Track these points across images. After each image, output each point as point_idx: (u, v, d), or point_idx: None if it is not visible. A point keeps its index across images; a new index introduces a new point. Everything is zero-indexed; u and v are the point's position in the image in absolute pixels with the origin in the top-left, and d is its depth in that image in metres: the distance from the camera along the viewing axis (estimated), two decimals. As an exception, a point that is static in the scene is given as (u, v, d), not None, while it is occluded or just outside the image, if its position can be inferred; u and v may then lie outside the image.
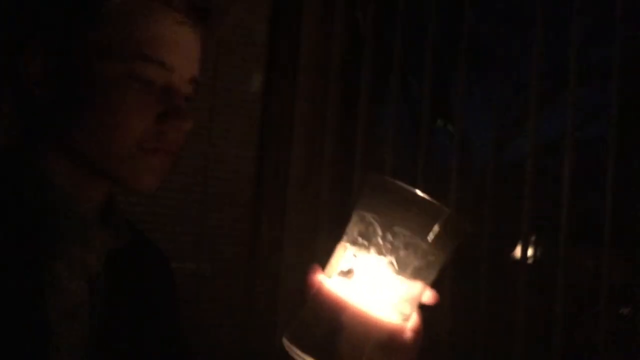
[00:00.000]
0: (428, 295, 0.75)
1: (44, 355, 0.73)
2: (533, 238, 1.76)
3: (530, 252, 1.74)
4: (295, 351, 0.70)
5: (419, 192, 0.70)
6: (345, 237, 0.74)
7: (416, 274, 0.72)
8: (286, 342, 0.71)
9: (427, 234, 0.70)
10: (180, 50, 0.79)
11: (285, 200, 1.92)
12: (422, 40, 1.88)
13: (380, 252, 0.71)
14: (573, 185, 1.60)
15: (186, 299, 1.04)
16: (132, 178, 0.78)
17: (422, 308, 0.76)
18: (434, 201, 0.70)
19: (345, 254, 0.73)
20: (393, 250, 0.71)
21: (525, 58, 1.74)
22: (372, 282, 0.71)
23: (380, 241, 0.71)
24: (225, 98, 1.85)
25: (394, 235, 0.70)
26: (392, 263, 0.71)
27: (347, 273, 0.72)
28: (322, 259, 0.77)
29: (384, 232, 0.71)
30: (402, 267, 0.71)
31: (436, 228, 0.70)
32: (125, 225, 0.86)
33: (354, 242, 0.73)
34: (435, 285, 0.75)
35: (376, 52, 1.97)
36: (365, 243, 0.72)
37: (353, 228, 0.73)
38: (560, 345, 1.59)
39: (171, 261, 0.99)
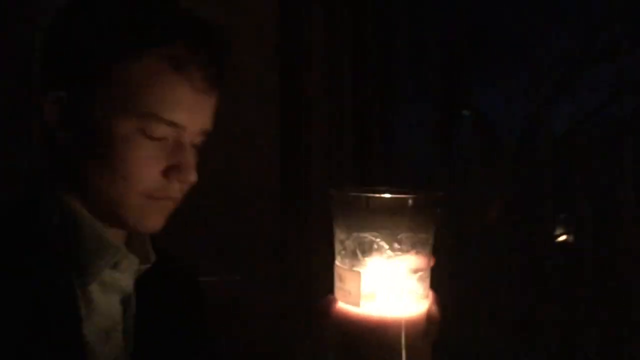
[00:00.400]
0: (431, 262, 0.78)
1: None
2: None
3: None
4: None
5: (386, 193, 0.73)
6: (345, 262, 0.75)
7: (419, 254, 0.74)
8: None
9: (425, 224, 0.74)
10: (193, 111, 0.82)
11: (311, 205, 1.91)
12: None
13: (390, 258, 0.73)
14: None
15: (217, 308, 1.06)
16: (138, 222, 0.83)
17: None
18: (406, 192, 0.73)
19: (361, 279, 0.73)
20: (401, 252, 0.73)
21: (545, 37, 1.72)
22: (393, 289, 0.73)
23: (389, 251, 0.73)
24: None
25: (400, 241, 0.73)
26: (401, 263, 0.73)
27: (371, 295, 0.73)
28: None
29: (389, 243, 0.73)
30: (409, 264, 0.74)
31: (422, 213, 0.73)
32: (150, 246, 0.90)
33: (360, 264, 0.74)
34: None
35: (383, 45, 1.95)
36: (372, 258, 0.73)
37: (350, 250, 0.74)
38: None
39: (199, 273, 1.04)
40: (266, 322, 1.79)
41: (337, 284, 0.75)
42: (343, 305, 0.74)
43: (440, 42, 1.89)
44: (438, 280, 0.77)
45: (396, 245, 0.73)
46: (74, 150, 0.82)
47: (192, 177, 0.84)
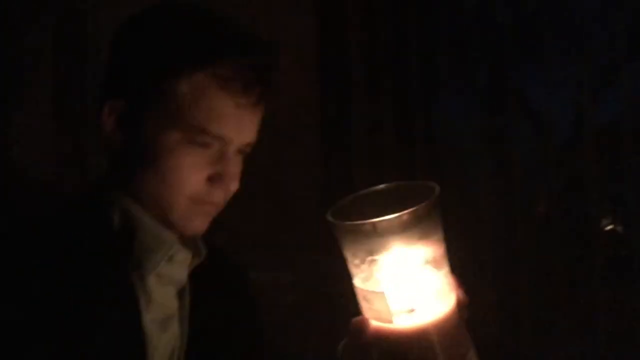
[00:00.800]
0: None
1: None
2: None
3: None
4: None
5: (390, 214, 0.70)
6: (366, 284, 0.74)
7: (435, 253, 0.73)
8: None
9: (434, 225, 0.72)
10: (237, 126, 0.88)
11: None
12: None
13: (408, 268, 0.73)
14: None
15: (266, 310, 1.09)
16: (182, 224, 0.89)
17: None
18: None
19: (387, 297, 0.73)
20: (418, 260, 0.72)
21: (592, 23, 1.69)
22: (419, 295, 0.73)
23: (408, 265, 0.72)
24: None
25: (414, 252, 0.72)
26: (420, 270, 0.73)
27: (401, 308, 0.73)
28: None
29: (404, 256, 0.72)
30: (428, 268, 0.73)
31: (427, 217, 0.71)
32: (201, 242, 0.95)
33: (382, 284, 0.73)
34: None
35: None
36: (392, 274, 0.72)
37: (368, 272, 0.73)
38: None
39: (249, 270, 1.08)
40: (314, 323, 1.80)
41: (364, 304, 0.74)
42: (376, 323, 0.73)
43: (485, 29, 1.87)
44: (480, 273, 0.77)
45: (412, 256, 0.72)
46: (128, 157, 0.88)
47: (234, 185, 0.89)
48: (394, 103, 1.92)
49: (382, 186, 0.78)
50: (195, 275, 0.94)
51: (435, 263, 0.73)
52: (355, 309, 0.75)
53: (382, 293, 0.72)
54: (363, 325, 0.74)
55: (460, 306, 0.75)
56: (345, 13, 1.93)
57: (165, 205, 0.87)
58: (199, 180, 0.87)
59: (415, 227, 0.70)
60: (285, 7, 1.87)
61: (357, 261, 0.73)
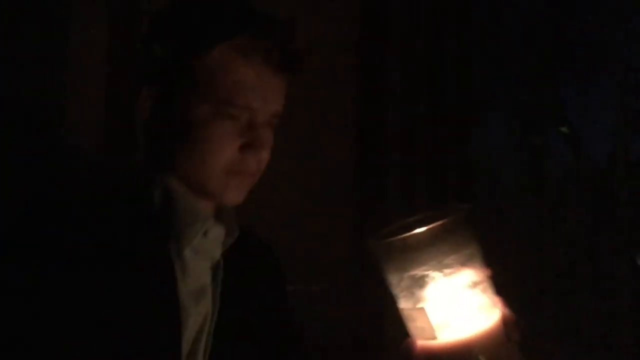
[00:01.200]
0: (487, 271, 0.80)
1: (176, 330, 0.91)
2: None
3: None
4: None
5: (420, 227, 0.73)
6: (407, 303, 0.77)
7: (471, 269, 0.75)
8: None
9: (465, 240, 0.74)
10: (263, 95, 0.94)
11: (386, 211, 1.88)
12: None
13: (446, 283, 0.74)
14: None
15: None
16: (220, 194, 0.95)
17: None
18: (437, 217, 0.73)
19: (428, 313, 0.75)
20: (454, 273, 0.74)
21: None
22: (460, 310, 0.75)
23: (443, 277, 0.74)
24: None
25: (449, 265, 0.74)
26: (458, 283, 0.74)
27: (444, 323, 0.75)
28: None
29: (440, 270, 0.74)
30: (465, 281, 0.75)
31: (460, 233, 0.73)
32: (236, 223, 1.02)
33: (421, 300, 0.75)
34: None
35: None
36: (430, 290, 0.74)
37: (407, 290, 0.76)
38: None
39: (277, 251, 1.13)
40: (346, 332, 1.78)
41: (409, 324, 0.77)
42: (422, 342, 0.76)
43: (527, 47, 1.86)
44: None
45: (447, 270, 0.74)
46: (165, 137, 0.96)
47: (265, 154, 0.95)
48: (431, 115, 1.93)
49: (417, 216, 0.80)
50: (228, 254, 1.01)
51: (471, 277, 0.75)
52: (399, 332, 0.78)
53: (422, 309, 0.75)
54: (410, 346, 0.78)
55: (506, 323, 0.76)
56: (386, 23, 1.94)
57: (202, 178, 0.94)
58: (231, 150, 0.93)
59: (446, 241, 0.73)
60: (329, 10, 1.89)
61: (395, 280, 0.76)
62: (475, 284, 0.76)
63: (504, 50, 1.95)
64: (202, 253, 0.97)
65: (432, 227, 0.72)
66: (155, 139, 0.98)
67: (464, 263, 0.75)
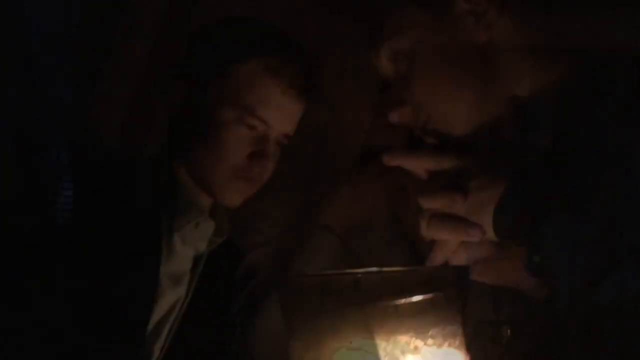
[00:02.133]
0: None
1: (149, 307, 0.98)
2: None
3: None
4: None
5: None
6: None
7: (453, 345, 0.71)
8: None
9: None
10: (281, 114, 1.04)
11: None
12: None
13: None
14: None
15: None
16: (220, 192, 1.04)
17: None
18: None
19: None
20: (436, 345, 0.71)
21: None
22: None
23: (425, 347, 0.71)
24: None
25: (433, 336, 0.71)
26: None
27: None
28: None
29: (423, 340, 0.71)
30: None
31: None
32: (227, 227, 1.09)
33: None
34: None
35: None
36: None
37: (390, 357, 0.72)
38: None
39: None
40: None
41: None
42: None
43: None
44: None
45: (430, 341, 0.70)
46: (186, 129, 1.05)
47: (270, 165, 1.04)
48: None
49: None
50: (212, 253, 1.08)
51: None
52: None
53: None
54: None
55: None
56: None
57: (209, 173, 1.02)
58: (241, 155, 1.02)
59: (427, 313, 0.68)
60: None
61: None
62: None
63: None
64: (189, 242, 1.04)
65: (419, 301, 0.68)
66: (178, 126, 1.07)
67: (446, 337, 0.71)
